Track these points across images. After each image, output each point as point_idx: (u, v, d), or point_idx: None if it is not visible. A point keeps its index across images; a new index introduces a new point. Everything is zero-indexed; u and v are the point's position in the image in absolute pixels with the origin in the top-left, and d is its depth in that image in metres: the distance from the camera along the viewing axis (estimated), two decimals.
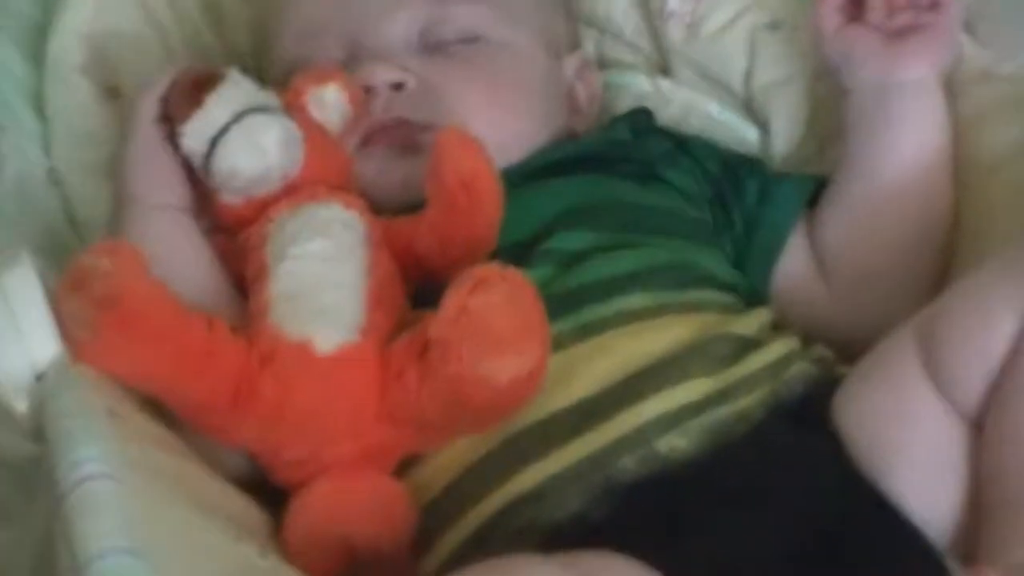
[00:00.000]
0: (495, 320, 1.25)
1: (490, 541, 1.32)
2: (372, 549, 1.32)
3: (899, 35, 1.49)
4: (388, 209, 1.43)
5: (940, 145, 1.49)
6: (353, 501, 1.31)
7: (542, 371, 1.27)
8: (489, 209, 1.37)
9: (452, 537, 1.34)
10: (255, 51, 1.64)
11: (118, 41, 1.61)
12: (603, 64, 1.69)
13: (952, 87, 1.50)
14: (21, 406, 1.30)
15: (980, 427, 1.27)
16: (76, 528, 1.15)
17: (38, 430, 1.27)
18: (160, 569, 1.13)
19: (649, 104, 1.65)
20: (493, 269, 1.27)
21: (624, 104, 1.66)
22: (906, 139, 1.49)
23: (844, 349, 1.44)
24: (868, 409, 1.31)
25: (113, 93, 1.58)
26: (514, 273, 1.28)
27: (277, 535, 1.33)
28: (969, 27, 1.52)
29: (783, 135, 1.63)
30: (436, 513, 1.35)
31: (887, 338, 1.34)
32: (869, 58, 1.49)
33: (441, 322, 1.26)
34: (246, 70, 1.46)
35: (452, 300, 1.26)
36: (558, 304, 1.34)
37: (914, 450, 1.29)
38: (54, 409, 1.25)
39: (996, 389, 1.25)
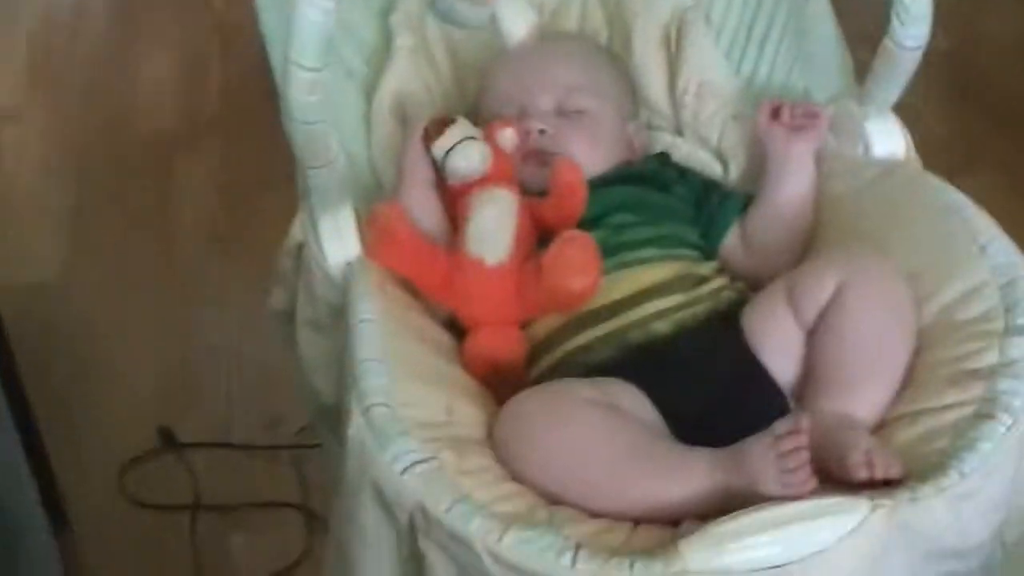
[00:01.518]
0: (574, 258, 1.33)
1: (562, 369, 1.37)
2: (507, 363, 1.37)
3: (795, 129, 1.50)
4: (531, 191, 1.46)
5: (809, 189, 1.50)
6: (498, 339, 1.38)
7: (596, 286, 1.35)
8: (579, 202, 1.43)
9: (544, 363, 1.39)
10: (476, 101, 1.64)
11: (407, 94, 1.63)
12: (649, 126, 1.68)
13: (818, 159, 1.51)
14: (337, 273, 1.39)
15: (811, 334, 1.30)
16: (354, 346, 1.24)
17: (345, 289, 1.35)
18: (393, 368, 1.22)
19: (669, 150, 1.65)
20: (575, 233, 1.36)
21: (656, 147, 1.66)
22: (792, 184, 1.50)
23: (754, 284, 1.46)
24: (758, 319, 1.35)
25: (402, 121, 1.61)
26: (585, 235, 1.35)
27: (459, 353, 1.38)
28: (832, 130, 1.53)
29: (734, 171, 1.62)
30: (536, 350, 1.40)
31: (771, 284, 1.38)
32: (779, 140, 1.50)
33: (548, 257, 1.34)
34: (468, 115, 1.51)
35: (554, 246, 1.35)
36: (609, 251, 1.38)
37: (777, 342, 1.32)
38: (353, 282, 1.34)
39: (821, 316, 1.30)
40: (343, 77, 1.60)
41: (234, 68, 3.26)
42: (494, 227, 1.38)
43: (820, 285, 1.29)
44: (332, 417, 1.42)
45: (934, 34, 1.34)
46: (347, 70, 1.61)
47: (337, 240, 1.37)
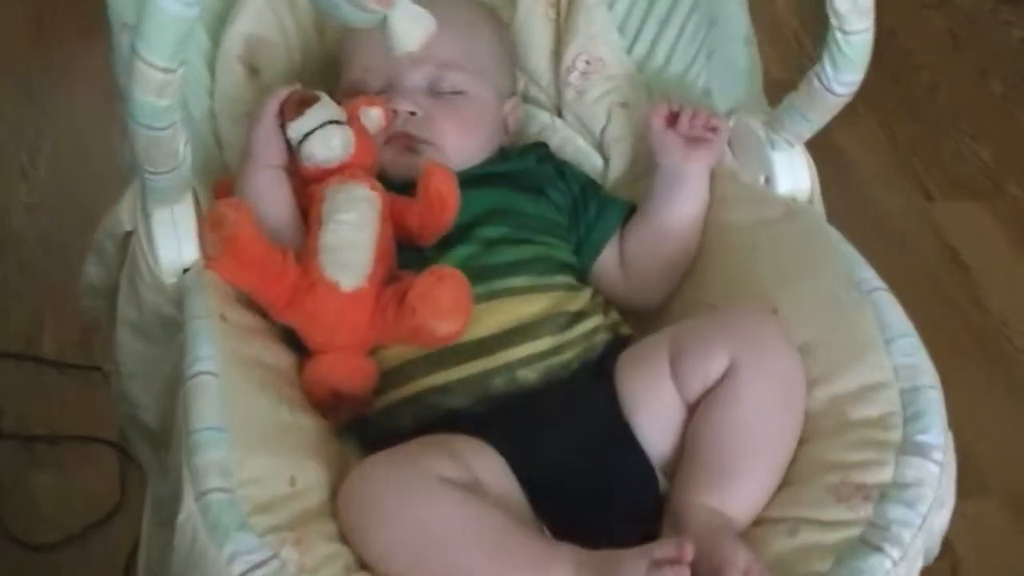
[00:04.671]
0: (443, 300, 1.17)
1: (415, 406, 1.23)
2: (353, 393, 1.22)
3: (692, 141, 1.35)
4: (391, 177, 1.30)
5: (700, 211, 1.36)
6: (346, 368, 1.21)
7: (462, 331, 1.19)
8: (450, 216, 1.27)
9: (394, 396, 1.24)
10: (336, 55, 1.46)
11: (260, 40, 1.43)
12: (524, 98, 1.51)
13: (713, 176, 1.37)
14: (170, 281, 1.19)
15: (692, 410, 1.18)
16: (189, 407, 1.06)
17: (179, 302, 1.17)
18: (233, 435, 1.05)
19: (545, 131, 1.50)
20: (447, 271, 1.19)
21: (532, 127, 1.50)
22: (682, 203, 1.36)
23: (626, 308, 1.35)
24: (636, 382, 1.21)
25: (253, 71, 1.42)
26: (458, 275, 1.19)
27: (298, 374, 1.22)
28: (730, 145, 1.38)
29: (616, 168, 1.47)
30: (387, 380, 1.24)
31: (652, 336, 1.25)
32: (674, 152, 1.35)
33: (415, 294, 1.17)
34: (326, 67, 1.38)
35: (423, 282, 1.18)
36: (477, 276, 1.22)
37: (651, 408, 1.19)
38: (190, 305, 1.15)
39: (706, 394, 1.17)
40: None
41: None
42: (353, 240, 1.21)
43: (710, 358, 1.16)
44: (150, 437, 1.26)
45: None
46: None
47: (172, 241, 1.18)
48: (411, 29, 1.04)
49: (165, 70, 1.00)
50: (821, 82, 1.21)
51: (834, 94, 1.21)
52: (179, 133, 1.07)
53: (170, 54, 0.99)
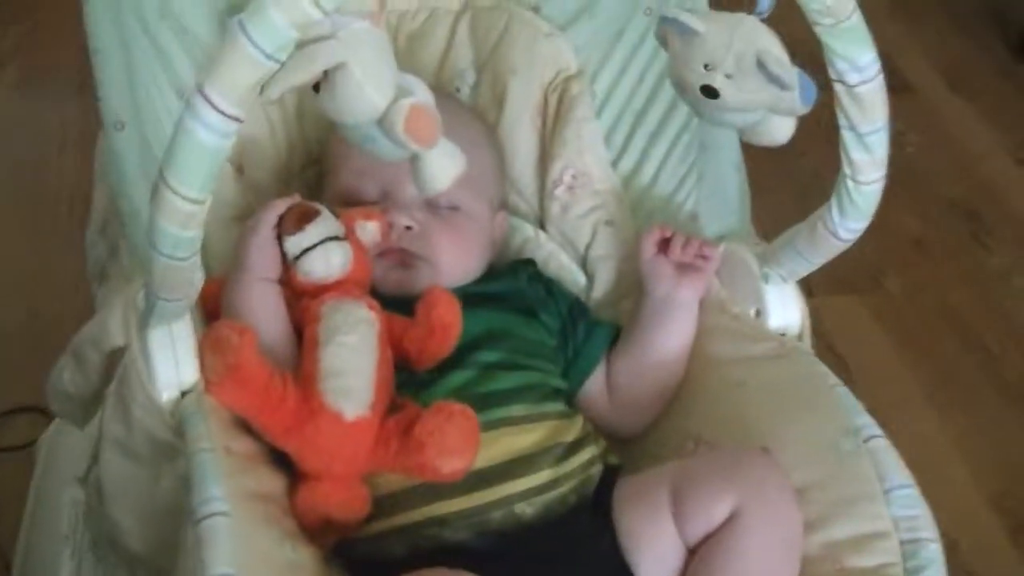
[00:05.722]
0: (452, 438, 1.13)
1: (409, 535, 1.19)
2: (343, 519, 1.17)
3: (682, 268, 1.33)
4: (384, 294, 1.26)
5: (688, 341, 1.34)
6: (341, 496, 1.17)
7: (468, 469, 1.14)
8: (451, 342, 1.23)
9: (387, 524, 1.19)
10: (321, 150, 1.43)
11: (248, 138, 1.39)
12: (507, 206, 1.47)
13: (701, 305, 1.35)
14: (166, 402, 1.13)
15: (692, 552, 1.17)
16: (203, 552, 1.00)
17: (175, 427, 1.11)
18: None
19: (528, 244, 1.47)
20: (456, 408, 1.15)
21: (515, 239, 1.47)
22: (671, 332, 1.34)
23: (608, 433, 1.34)
24: (637, 522, 1.19)
25: (240, 170, 1.38)
26: (468, 412, 1.15)
27: (289, 496, 1.16)
28: (718, 273, 1.36)
29: (599, 287, 1.44)
30: (380, 506, 1.19)
31: (650, 474, 1.23)
32: (664, 279, 1.34)
33: (423, 430, 1.13)
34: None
35: (432, 418, 1.14)
36: (474, 404, 1.17)
37: (652, 551, 1.18)
38: (193, 435, 1.09)
39: (708, 539, 1.16)
40: (173, 95, 1.33)
41: None
42: (353, 364, 1.16)
43: (713, 504, 1.15)
44: (131, 559, 1.20)
45: None
46: (178, 88, 1.33)
47: (170, 361, 1.11)
48: (444, 168, 1.02)
49: (194, 201, 0.96)
50: (826, 227, 1.20)
51: (839, 239, 1.20)
52: (198, 264, 1.03)
53: (201, 185, 0.95)
